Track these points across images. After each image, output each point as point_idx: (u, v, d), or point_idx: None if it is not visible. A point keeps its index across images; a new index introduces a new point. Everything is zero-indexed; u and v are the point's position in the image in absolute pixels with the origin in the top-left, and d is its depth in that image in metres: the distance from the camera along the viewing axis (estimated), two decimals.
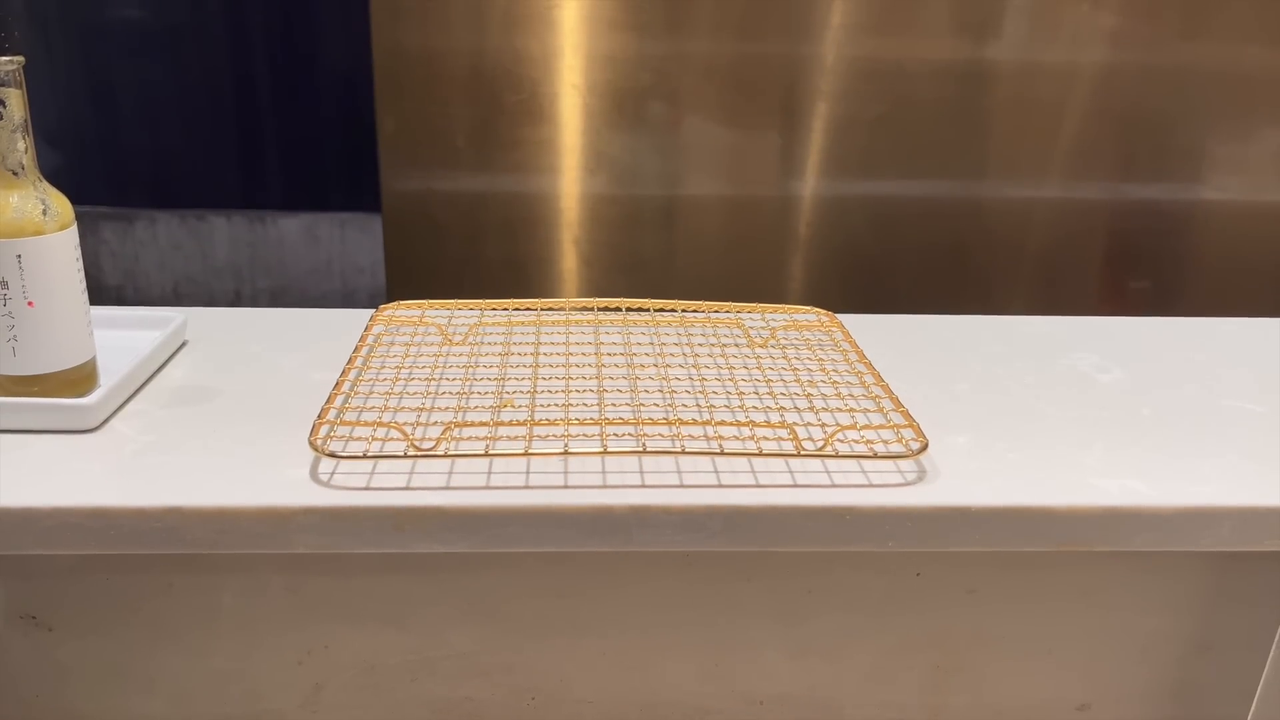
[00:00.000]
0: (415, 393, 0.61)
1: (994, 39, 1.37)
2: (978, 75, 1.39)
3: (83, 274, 0.58)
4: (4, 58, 0.53)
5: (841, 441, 0.55)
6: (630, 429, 0.56)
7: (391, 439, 0.54)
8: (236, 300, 1.88)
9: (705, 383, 0.63)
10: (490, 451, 0.53)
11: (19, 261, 0.54)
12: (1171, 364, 0.70)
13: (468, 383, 0.62)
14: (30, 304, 0.55)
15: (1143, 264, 1.59)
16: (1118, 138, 1.45)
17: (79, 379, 0.58)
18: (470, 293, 1.07)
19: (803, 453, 0.54)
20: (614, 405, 0.60)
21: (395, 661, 0.63)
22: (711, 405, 0.60)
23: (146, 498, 0.50)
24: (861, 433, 0.56)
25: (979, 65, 1.38)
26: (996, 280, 1.55)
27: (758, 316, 0.74)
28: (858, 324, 0.73)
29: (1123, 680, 0.65)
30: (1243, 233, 1.54)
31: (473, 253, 1.12)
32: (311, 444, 0.53)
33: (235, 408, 0.60)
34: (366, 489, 0.51)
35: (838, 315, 0.73)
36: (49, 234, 0.55)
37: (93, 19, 1.73)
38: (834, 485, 0.53)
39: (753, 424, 0.56)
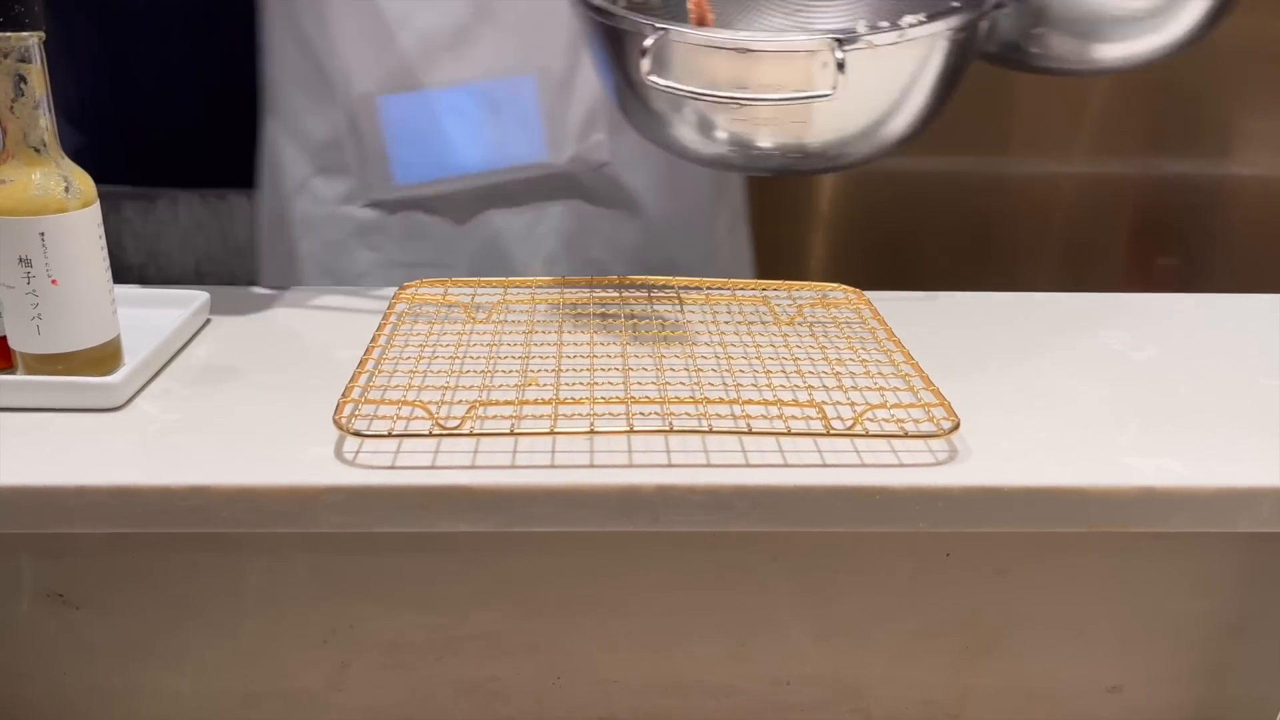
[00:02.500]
0: (439, 371, 0.60)
1: None
2: None
3: (106, 252, 0.58)
4: (24, 33, 0.53)
5: (871, 420, 0.54)
6: (656, 408, 0.55)
7: (416, 418, 0.54)
8: (257, 279, 1.88)
9: (732, 361, 0.63)
10: (515, 431, 0.53)
11: (42, 239, 0.54)
12: (1206, 341, 0.69)
13: (492, 361, 0.62)
14: (54, 282, 0.55)
15: (1171, 240, 1.56)
16: (1146, 112, 1.42)
17: (103, 357, 0.58)
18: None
19: (832, 432, 0.53)
20: (640, 384, 0.59)
21: (421, 640, 0.63)
22: (739, 384, 0.60)
23: (172, 476, 0.50)
24: (891, 411, 0.55)
25: None
26: (1022, 256, 1.53)
27: (784, 294, 0.73)
28: (886, 301, 0.72)
29: (1155, 662, 0.64)
30: (1273, 208, 1.52)
31: None
32: (336, 423, 0.53)
33: (259, 386, 0.60)
34: (391, 468, 0.51)
35: (865, 292, 0.72)
36: (72, 211, 0.55)
37: None
38: (864, 465, 0.52)
39: (780, 403, 0.56)
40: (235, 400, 0.58)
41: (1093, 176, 1.50)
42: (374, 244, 0.83)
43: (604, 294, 0.72)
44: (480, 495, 0.50)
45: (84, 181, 0.56)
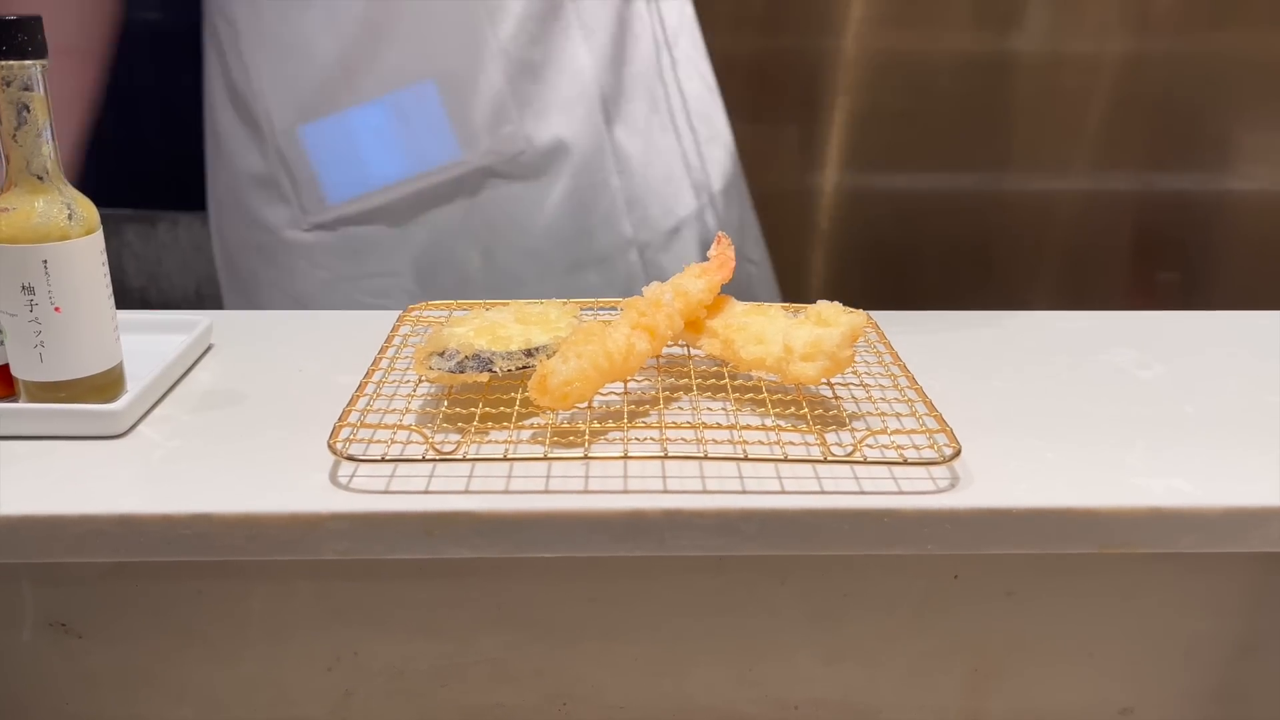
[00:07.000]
0: (437, 395, 0.60)
1: (1017, 29, 1.35)
2: (1001, 66, 1.37)
3: (109, 278, 0.57)
4: (27, 61, 0.53)
5: (871, 447, 0.53)
6: (654, 433, 0.55)
7: (412, 442, 0.54)
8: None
9: (732, 384, 0.62)
10: (509, 456, 0.53)
11: (45, 267, 0.54)
12: (1213, 359, 0.68)
13: (490, 383, 0.61)
14: (57, 309, 0.55)
15: (1171, 256, 1.56)
16: (1144, 127, 1.42)
17: (106, 384, 0.58)
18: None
19: (830, 459, 0.52)
20: (638, 407, 0.59)
21: (425, 667, 0.62)
22: (738, 408, 0.59)
23: (175, 504, 0.49)
24: (892, 437, 0.54)
25: (1002, 56, 1.36)
26: (1021, 274, 1.53)
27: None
28: (889, 320, 0.72)
29: (1166, 683, 0.64)
30: (1273, 223, 1.52)
31: None
32: (330, 447, 0.52)
33: (262, 412, 0.60)
34: (386, 493, 0.50)
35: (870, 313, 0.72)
36: (75, 239, 0.55)
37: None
38: (862, 492, 0.51)
39: (779, 428, 0.55)
40: (238, 426, 0.58)
41: (1092, 193, 1.50)
42: (322, 263, 0.88)
43: (606, 316, 0.72)
44: (485, 521, 0.50)
45: (87, 209, 0.56)
